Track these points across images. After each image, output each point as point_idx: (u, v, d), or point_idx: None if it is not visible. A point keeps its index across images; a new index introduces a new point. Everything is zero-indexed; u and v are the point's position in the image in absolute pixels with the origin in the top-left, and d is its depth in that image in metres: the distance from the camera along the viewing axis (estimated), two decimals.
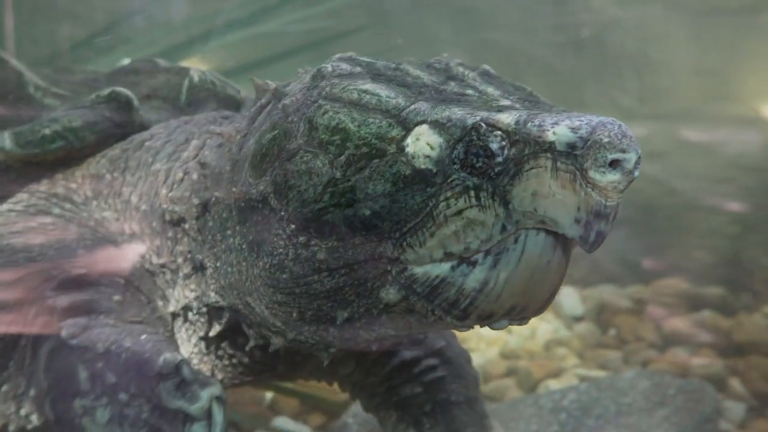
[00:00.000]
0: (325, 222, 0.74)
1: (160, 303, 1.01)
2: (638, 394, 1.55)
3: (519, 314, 0.74)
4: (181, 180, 1.00)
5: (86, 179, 1.07)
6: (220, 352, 1.01)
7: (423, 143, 0.71)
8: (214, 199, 0.91)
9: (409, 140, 0.71)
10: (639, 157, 0.65)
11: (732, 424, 1.67)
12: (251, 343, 0.96)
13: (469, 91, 0.77)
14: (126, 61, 1.49)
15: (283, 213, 0.77)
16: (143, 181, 1.04)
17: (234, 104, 1.20)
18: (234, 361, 1.02)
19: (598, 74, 3.44)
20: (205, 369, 1.03)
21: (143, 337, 0.89)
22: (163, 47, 2.28)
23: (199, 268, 0.96)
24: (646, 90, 3.38)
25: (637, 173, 0.65)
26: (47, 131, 1.02)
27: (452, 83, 0.79)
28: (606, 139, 0.64)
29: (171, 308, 1.01)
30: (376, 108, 0.74)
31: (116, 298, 0.94)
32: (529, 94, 0.81)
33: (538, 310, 0.75)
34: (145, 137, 1.08)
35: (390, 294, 0.75)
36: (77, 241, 0.99)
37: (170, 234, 0.99)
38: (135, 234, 1.03)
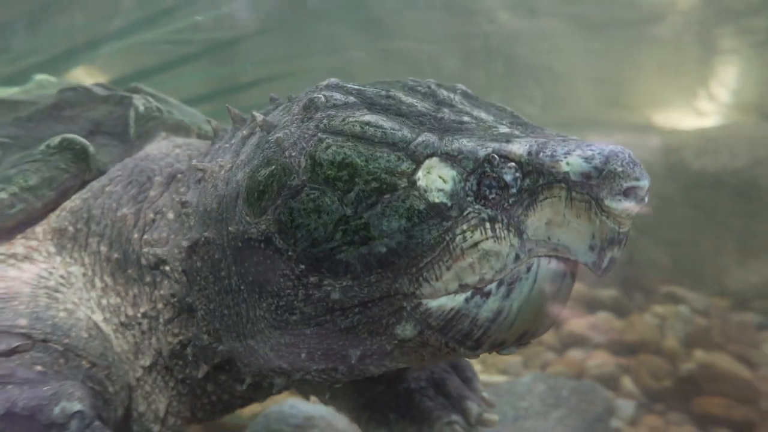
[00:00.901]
0: (338, 261, 0.70)
1: (126, 361, 0.96)
2: (535, 398, 1.60)
3: (528, 339, 0.73)
4: (153, 221, 0.94)
5: (48, 234, 0.99)
6: (198, 391, 0.97)
7: (435, 176, 0.69)
8: (203, 239, 0.85)
9: (420, 174, 0.69)
10: (649, 184, 0.65)
11: (623, 422, 1.75)
12: (247, 382, 0.90)
13: (466, 118, 0.75)
14: (39, 78, 1.38)
15: (290, 253, 0.72)
16: (110, 228, 0.97)
17: (183, 130, 1.14)
18: (213, 398, 0.98)
19: (502, 84, 3.55)
20: (184, 409, 0.99)
21: (46, 388, 0.82)
22: (47, 56, 2.17)
23: (185, 311, 0.91)
24: (548, 99, 3.51)
25: (647, 199, 0.65)
26: (3, 195, 0.95)
27: (445, 109, 0.76)
28: (620, 169, 0.64)
29: (147, 361, 0.95)
30: (382, 141, 0.71)
31: (38, 368, 0.87)
32: (512, 115, 0.80)
33: (543, 334, 0.74)
34: (104, 183, 1.01)
35: (406, 330, 0.72)
36: (24, 307, 0.92)
37: (148, 279, 0.93)
38: (107, 286, 0.96)
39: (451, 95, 0.80)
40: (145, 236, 0.93)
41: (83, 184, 1.02)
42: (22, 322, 0.89)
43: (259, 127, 0.81)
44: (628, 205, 0.63)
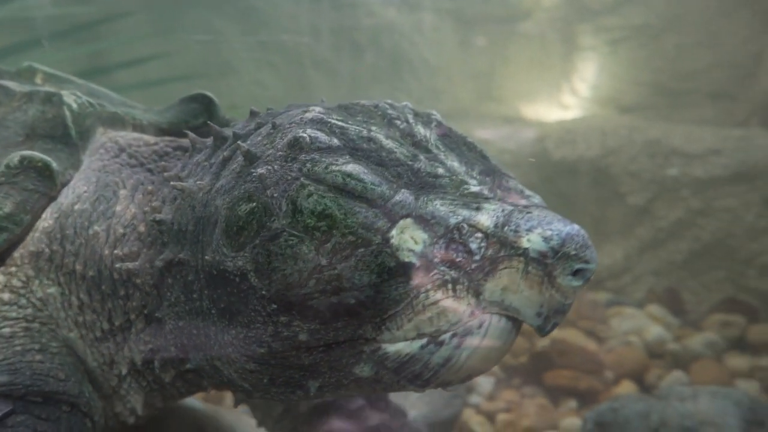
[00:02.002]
0: (309, 307, 0.73)
1: (100, 374, 0.98)
2: None
3: (471, 378, 0.81)
4: (123, 235, 0.95)
5: (25, 258, 0.99)
6: (169, 386, 1.00)
7: (408, 237, 0.72)
8: (177, 260, 0.86)
9: (394, 232, 0.73)
10: (596, 266, 0.72)
11: (482, 398, 1.86)
12: (209, 389, 0.96)
13: (440, 170, 0.79)
14: None
15: (264, 292, 0.75)
16: (84, 247, 0.97)
17: (119, 123, 1.11)
18: (182, 390, 1.01)
19: (379, 76, 3.61)
20: (157, 401, 1.02)
21: None
22: None
23: (154, 323, 0.93)
24: (424, 91, 3.61)
25: (591, 279, 0.72)
26: None
27: (422, 157, 0.80)
28: (573, 252, 0.70)
29: (123, 371, 0.98)
30: (362, 196, 0.74)
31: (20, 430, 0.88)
32: (481, 156, 0.85)
33: (485, 372, 0.82)
34: (72, 201, 1.00)
35: (364, 370, 0.76)
36: (2, 356, 0.92)
37: (122, 293, 0.95)
38: (84, 304, 0.97)
39: (427, 134, 0.83)
40: (116, 251, 0.94)
41: (51, 201, 1.00)
42: (2, 379, 0.91)
43: (241, 156, 0.81)
44: (576, 284, 0.71)
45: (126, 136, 1.09)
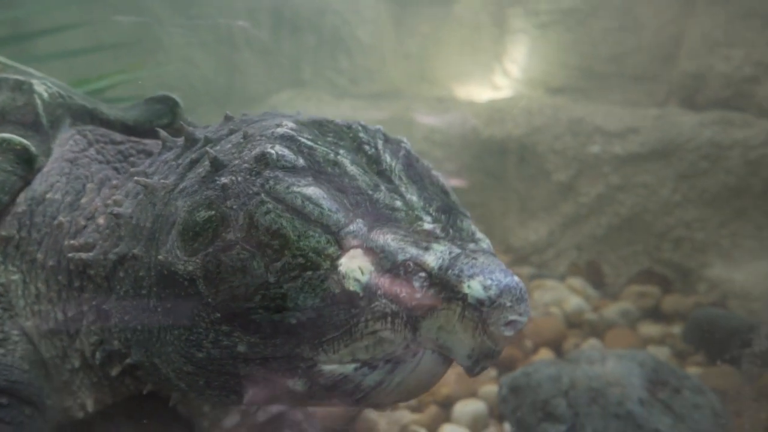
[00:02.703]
0: (251, 320, 0.75)
1: (53, 367, 0.97)
2: None
3: (400, 403, 0.82)
4: (84, 227, 0.96)
5: None
6: (117, 383, 1.01)
7: (355, 266, 0.74)
8: (131, 254, 0.87)
9: (343, 260, 0.74)
10: (528, 319, 0.75)
11: None
12: (148, 388, 0.96)
13: (398, 203, 0.81)
14: None
15: (210, 300, 0.77)
16: (48, 236, 0.98)
17: (87, 115, 1.11)
18: (132, 388, 1.02)
19: (314, 55, 3.59)
20: (106, 397, 1.02)
21: None
22: None
23: (103, 316, 0.94)
24: (358, 71, 3.61)
25: (523, 329, 0.76)
26: None
27: (383, 187, 0.82)
28: (509, 304, 0.73)
29: (76, 364, 0.98)
30: (318, 221, 0.75)
31: None
32: (442, 190, 0.88)
33: (415, 398, 0.86)
34: (45, 189, 1.01)
35: (297, 385, 0.79)
36: None
37: (76, 284, 0.96)
38: (41, 294, 0.98)
39: (393, 163, 0.86)
40: (73, 241, 0.94)
41: (27, 184, 1.01)
42: None
43: (208, 161, 0.81)
44: (508, 334, 0.74)
45: (94, 131, 1.10)
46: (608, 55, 3.23)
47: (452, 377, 1.77)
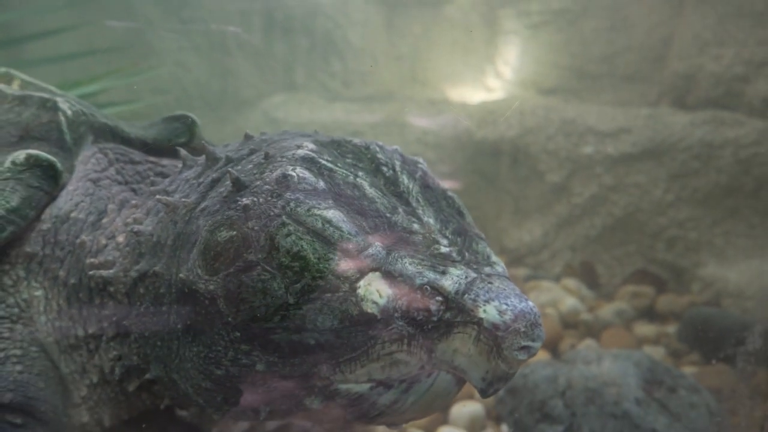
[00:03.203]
0: (270, 341, 0.77)
1: (71, 382, 0.98)
2: None
3: (414, 421, 0.86)
4: (105, 246, 0.98)
5: (19, 258, 1.00)
6: (134, 398, 1.02)
7: (374, 289, 0.76)
8: (152, 272, 0.89)
9: (362, 283, 0.76)
10: (542, 343, 0.77)
11: None
12: (165, 402, 0.97)
13: (416, 226, 0.83)
14: None
15: (230, 319, 0.78)
16: (71, 255, 1.00)
17: (109, 133, 1.13)
18: (148, 403, 1.03)
19: (306, 58, 3.59)
20: (122, 413, 1.03)
21: None
22: None
23: (123, 331, 0.96)
24: (350, 74, 3.61)
25: (536, 353, 0.77)
26: None
27: (400, 209, 0.83)
28: (523, 329, 0.75)
29: (94, 379, 1.00)
30: (337, 244, 0.77)
31: None
32: (458, 212, 0.90)
33: (428, 416, 0.87)
34: (70, 208, 1.03)
35: (314, 403, 0.80)
36: None
37: (97, 301, 0.98)
38: (62, 309, 1.00)
39: (410, 185, 0.88)
40: (94, 259, 0.96)
41: (52, 200, 1.02)
42: None
43: (230, 181, 0.82)
44: (521, 358, 0.75)
45: (115, 150, 1.12)
46: (599, 55, 3.25)
47: None
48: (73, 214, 1.03)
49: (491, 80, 3.58)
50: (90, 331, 0.99)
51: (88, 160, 1.08)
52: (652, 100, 3.02)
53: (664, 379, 1.55)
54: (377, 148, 0.91)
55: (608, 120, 2.62)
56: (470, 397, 1.74)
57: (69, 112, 1.08)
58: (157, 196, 0.94)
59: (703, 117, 2.49)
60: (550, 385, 1.54)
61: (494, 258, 0.86)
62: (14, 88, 1.17)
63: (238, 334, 0.78)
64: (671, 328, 2.15)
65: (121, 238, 0.98)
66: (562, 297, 2.29)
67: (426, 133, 3.01)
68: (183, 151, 1.02)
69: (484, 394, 0.78)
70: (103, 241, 1.00)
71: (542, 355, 1.95)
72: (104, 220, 1.02)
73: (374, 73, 3.66)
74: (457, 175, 2.93)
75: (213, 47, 3.52)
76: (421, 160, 0.94)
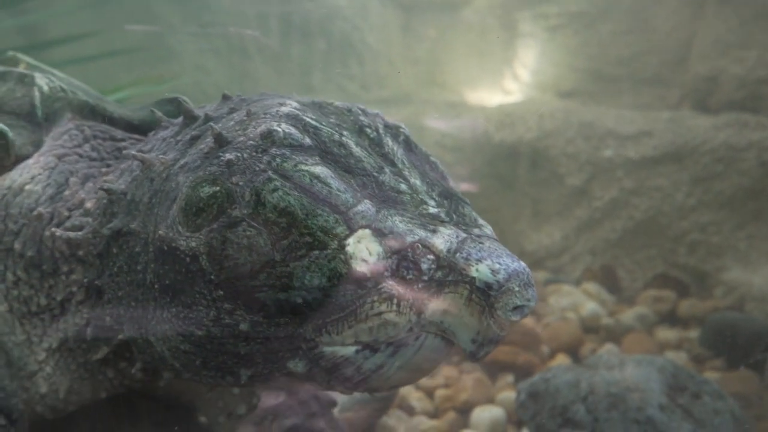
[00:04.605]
0: (255, 299, 0.74)
1: (27, 346, 0.96)
2: None
3: (398, 388, 0.82)
4: (68, 217, 0.95)
5: None
6: (100, 377, 0.98)
7: (363, 247, 0.74)
8: (127, 229, 0.85)
9: (351, 240, 0.74)
10: (535, 303, 0.74)
11: None
12: (137, 366, 0.92)
13: (403, 186, 0.81)
14: None
15: (213, 277, 0.75)
16: (26, 227, 0.97)
17: (89, 111, 1.10)
18: (115, 383, 0.99)
19: (324, 61, 3.60)
20: (85, 391, 0.99)
21: None
22: None
23: (94, 294, 0.92)
24: (368, 76, 3.62)
25: (529, 314, 0.75)
26: None
27: (387, 170, 0.81)
28: (516, 288, 0.73)
29: (53, 344, 0.96)
30: (326, 200, 0.75)
31: None
32: (441, 176, 0.88)
33: (412, 384, 0.84)
34: (25, 181, 1.00)
35: (298, 366, 0.78)
36: None
37: (64, 269, 0.94)
38: (20, 280, 0.97)
39: (395, 147, 0.86)
40: (56, 229, 0.93)
41: (2, 171, 1.00)
42: None
43: (212, 137, 0.81)
44: (514, 319, 0.73)
45: (94, 127, 1.09)
46: (618, 58, 3.23)
47: (470, 383, 1.77)
48: (27, 187, 0.99)
49: (509, 83, 3.57)
50: (58, 298, 0.95)
51: (61, 136, 1.06)
52: (673, 104, 2.99)
53: (687, 385, 1.53)
54: (359, 111, 0.88)
55: (628, 123, 2.60)
56: (490, 401, 1.73)
57: (45, 88, 1.07)
58: (132, 152, 0.90)
59: (725, 120, 2.47)
60: (572, 390, 1.53)
61: (481, 221, 0.83)
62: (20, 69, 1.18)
63: (222, 292, 0.76)
64: (693, 334, 2.13)
65: (89, 204, 0.95)
66: (583, 301, 2.27)
67: (444, 136, 3.01)
68: (158, 113, 1.00)
69: (473, 357, 0.76)
70: (65, 213, 0.96)
71: (563, 360, 1.94)
72: (65, 193, 0.98)
73: (392, 76, 3.66)
74: (475, 178, 2.92)
75: (232, 50, 3.53)
76: (402, 125, 0.91)
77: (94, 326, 0.93)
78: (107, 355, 0.95)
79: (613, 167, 2.56)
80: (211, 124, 0.85)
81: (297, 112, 0.82)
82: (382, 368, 0.77)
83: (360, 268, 0.73)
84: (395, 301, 0.74)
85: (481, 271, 0.73)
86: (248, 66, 3.57)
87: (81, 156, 1.04)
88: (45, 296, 0.96)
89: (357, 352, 0.76)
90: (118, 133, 1.09)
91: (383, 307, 0.74)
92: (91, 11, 2.82)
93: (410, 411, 1.69)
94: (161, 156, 0.87)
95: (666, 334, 2.13)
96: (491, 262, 0.74)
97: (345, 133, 0.83)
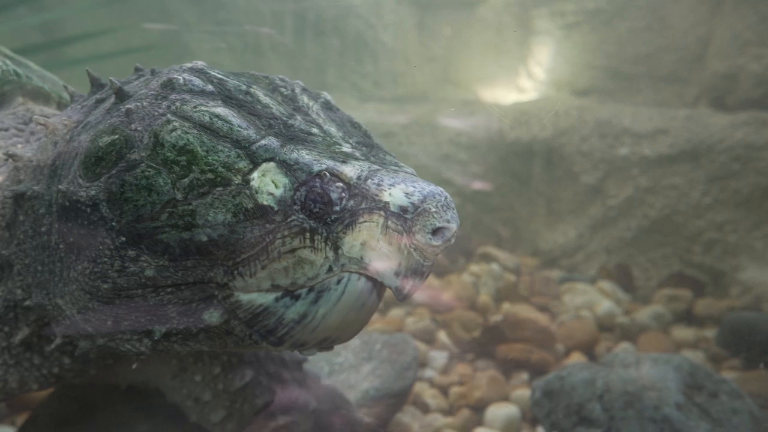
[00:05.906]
0: (158, 241, 0.72)
1: None
2: (349, 353, 1.69)
3: (329, 345, 0.79)
4: None
5: None
6: (26, 363, 0.95)
7: (268, 180, 0.72)
8: (30, 192, 0.83)
9: (255, 174, 0.72)
10: (457, 228, 0.71)
11: (435, 371, 1.89)
12: (56, 342, 0.89)
13: (314, 130, 0.78)
14: None
15: (114, 223, 0.74)
16: None
17: (42, 97, 1.10)
18: (44, 371, 0.96)
19: (338, 59, 3.60)
20: (12, 380, 0.96)
21: None
22: None
23: (5, 266, 0.89)
24: (382, 74, 3.62)
25: (452, 241, 0.72)
26: None
27: (299, 117, 0.79)
28: (434, 209, 0.71)
29: None
30: (227, 136, 0.73)
31: None
32: (364, 134, 0.84)
33: (345, 341, 0.80)
34: None
35: (213, 317, 0.75)
36: None
37: None
38: None
39: (311, 103, 0.83)
40: None
41: None
42: None
43: (113, 93, 0.80)
44: (435, 243, 0.71)
45: (44, 111, 1.07)
46: (635, 56, 3.21)
47: (484, 380, 1.77)
48: None
49: (524, 81, 3.56)
50: None
51: (7, 115, 1.05)
52: (690, 101, 2.97)
53: (705, 384, 1.52)
54: (277, 78, 0.86)
55: (644, 121, 2.58)
56: (505, 398, 1.73)
57: None
58: (34, 117, 0.88)
59: (743, 118, 2.45)
60: (587, 388, 1.52)
61: (403, 165, 0.80)
62: None
63: (124, 238, 0.74)
64: (710, 333, 2.11)
65: (1, 177, 0.91)
66: (598, 300, 2.26)
67: (459, 134, 3.00)
68: (71, 88, 0.98)
69: (399, 293, 0.72)
70: None
71: (578, 358, 1.93)
72: None
73: (406, 73, 3.66)
74: (489, 177, 2.92)
75: (247, 48, 3.55)
76: (325, 93, 0.89)
77: (6, 299, 0.90)
78: (29, 337, 0.91)
79: (628, 165, 2.54)
80: (112, 78, 0.84)
81: (202, 66, 0.81)
82: (306, 317, 0.74)
83: (266, 201, 0.71)
84: (308, 235, 0.72)
85: (394, 194, 0.71)
86: (263, 63, 3.58)
87: (19, 131, 1.02)
88: None
89: (276, 300, 0.73)
90: (73, 118, 1.09)
91: (296, 243, 0.72)
92: (108, 9, 2.85)
93: (425, 408, 1.69)
94: (64, 119, 0.86)
95: (682, 333, 2.11)
96: (405, 186, 0.72)
97: (254, 86, 0.81)
